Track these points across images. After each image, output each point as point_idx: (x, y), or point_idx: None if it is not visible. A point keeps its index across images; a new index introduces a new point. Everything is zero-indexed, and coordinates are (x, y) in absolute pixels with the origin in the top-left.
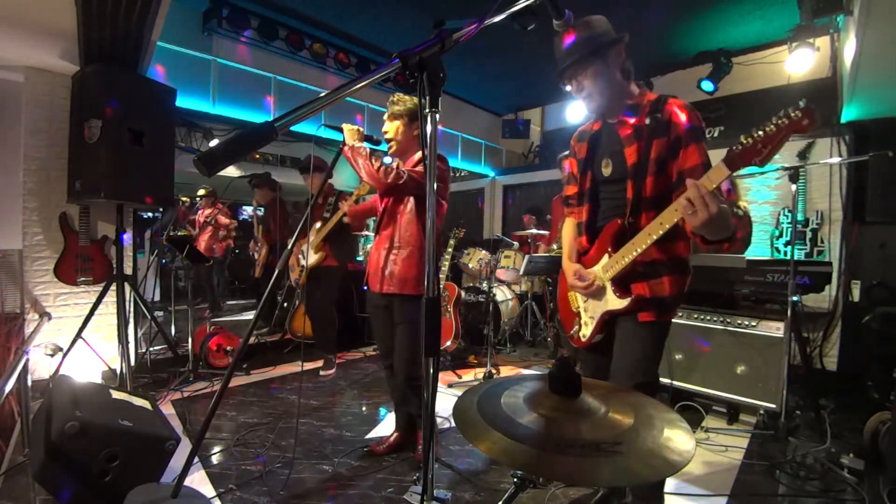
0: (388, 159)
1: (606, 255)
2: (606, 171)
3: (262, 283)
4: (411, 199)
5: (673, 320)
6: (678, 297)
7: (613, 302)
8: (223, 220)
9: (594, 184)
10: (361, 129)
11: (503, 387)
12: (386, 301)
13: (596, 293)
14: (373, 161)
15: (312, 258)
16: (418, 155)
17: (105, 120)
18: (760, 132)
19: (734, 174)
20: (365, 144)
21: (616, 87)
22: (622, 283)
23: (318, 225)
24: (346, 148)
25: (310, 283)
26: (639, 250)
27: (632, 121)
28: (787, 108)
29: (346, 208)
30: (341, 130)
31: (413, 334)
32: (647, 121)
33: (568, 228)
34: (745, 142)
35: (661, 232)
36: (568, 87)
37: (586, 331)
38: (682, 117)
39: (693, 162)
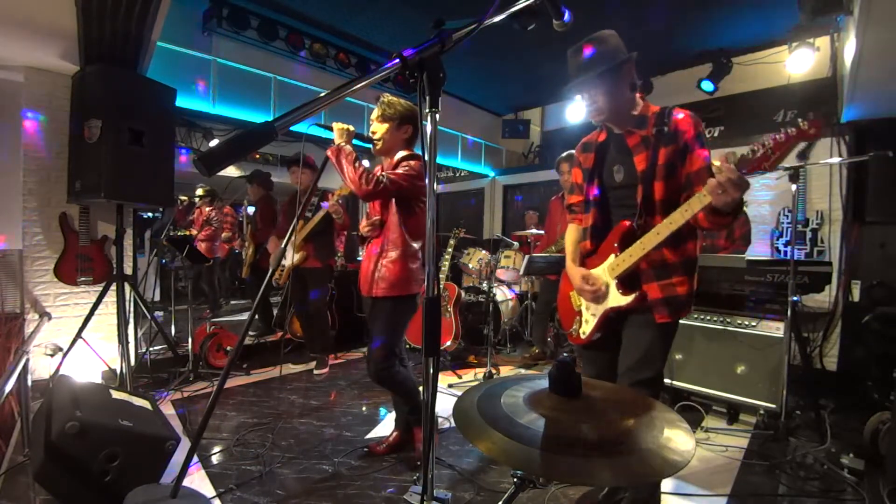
0: (366, 162)
1: (612, 256)
2: (618, 176)
3: (248, 282)
4: (392, 203)
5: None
6: (690, 297)
7: (616, 299)
8: (227, 209)
9: (602, 190)
10: (352, 129)
11: (503, 387)
12: (372, 303)
13: (602, 297)
14: (356, 166)
15: (293, 258)
16: (399, 155)
17: (105, 119)
18: (769, 141)
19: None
20: (350, 148)
21: (624, 101)
22: (628, 281)
23: (300, 224)
24: (331, 148)
25: (295, 284)
26: (648, 247)
27: (640, 132)
28: (796, 118)
29: (331, 208)
30: (332, 129)
31: (385, 328)
32: (654, 131)
33: (571, 234)
34: (756, 150)
35: (681, 222)
36: (578, 98)
37: (587, 328)
38: (689, 127)
39: (699, 165)
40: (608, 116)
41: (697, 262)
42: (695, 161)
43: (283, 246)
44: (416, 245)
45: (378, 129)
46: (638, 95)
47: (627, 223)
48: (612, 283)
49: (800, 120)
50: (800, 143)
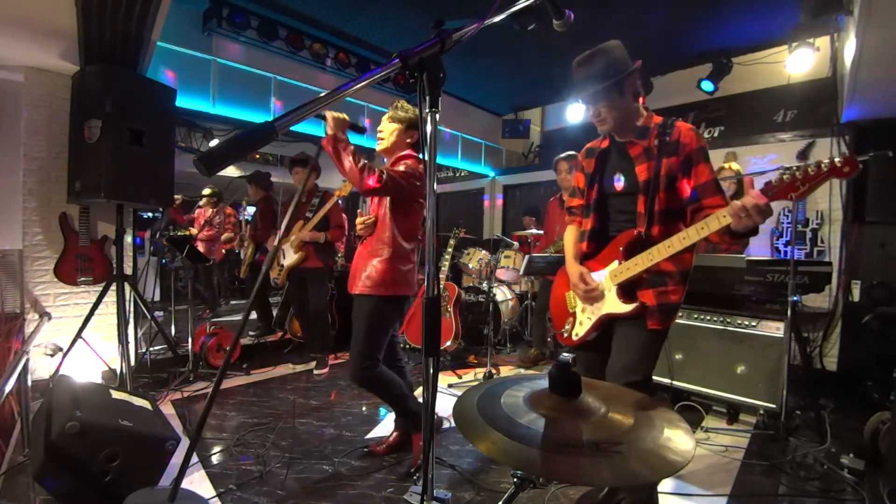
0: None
1: (616, 262)
2: (619, 184)
3: (247, 282)
4: (387, 202)
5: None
6: (680, 304)
7: (615, 305)
8: (228, 210)
9: (601, 196)
10: (346, 118)
11: (503, 387)
12: (355, 301)
13: (594, 298)
14: (355, 159)
15: (292, 258)
16: (400, 154)
17: (105, 119)
18: (800, 172)
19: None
20: (347, 139)
21: (628, 112)
22: (628, 289)
23: (300, 223)
24: (326, 138)
25: (294, 284)
26: (656, 259)
27: (642, 142)
28: (832, 156)
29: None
30: (324, 118)
31: (363, 328)
32: (657, 142)
33: (570, 234)
34: (785, 178)
35: (696, 239)
36: (583, 105)
37: (580, 329)
38: (691, 139)
39: (705, 178)
40: (612, 126)
41: (692, 271)
42: (700, 174)
43: (276, 245)
44: (407, 246)
45: (386, 128)
46: (642, 105)
47: (636, 231)
48: (613, 289)
49: (836, 158)
50: (831, 178)
